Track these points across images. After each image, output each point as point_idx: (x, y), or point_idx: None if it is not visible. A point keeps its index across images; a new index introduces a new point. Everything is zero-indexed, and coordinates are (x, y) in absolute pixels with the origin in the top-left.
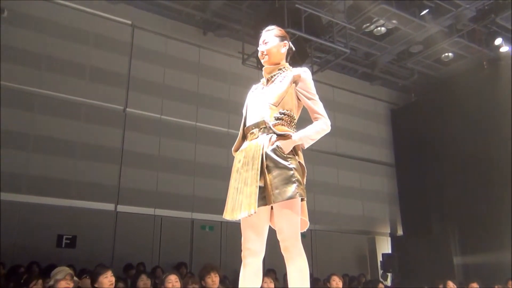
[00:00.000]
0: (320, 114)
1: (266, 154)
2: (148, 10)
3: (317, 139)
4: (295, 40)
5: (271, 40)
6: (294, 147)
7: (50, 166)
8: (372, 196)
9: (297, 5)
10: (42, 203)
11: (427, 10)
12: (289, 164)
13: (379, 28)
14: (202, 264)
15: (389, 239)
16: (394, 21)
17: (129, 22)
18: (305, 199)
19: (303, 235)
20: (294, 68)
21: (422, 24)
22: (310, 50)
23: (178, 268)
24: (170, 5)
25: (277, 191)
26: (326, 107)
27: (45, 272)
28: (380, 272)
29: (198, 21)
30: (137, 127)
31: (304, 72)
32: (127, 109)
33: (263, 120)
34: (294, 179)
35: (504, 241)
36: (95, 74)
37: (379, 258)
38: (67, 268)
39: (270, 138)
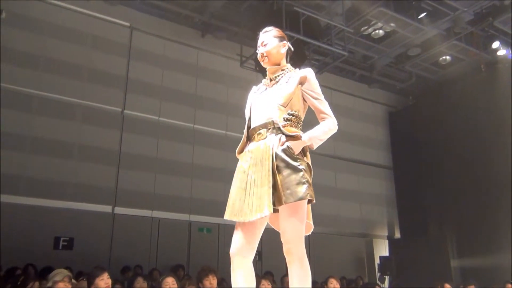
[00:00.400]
0: (327, 114)
1: (276, 154)
2: (146, 12)
3: (325, 139)
4: (293, 42)
5: (270, 41)
6: (302, 148)
7: (48, 167)
8: (370, 199)
9: (295, 8)
10: (39, 204)
11: (425, 13)
12: (299, 165)
13: (377, 31)
14: (199, 266)
15: (386, 241)
16: (392, 24)
17: (128, 24)
18: (314, 200)
19: None
20: (298, 69)
21: (420, 27)
22: (308, 53)
23: (176, 271)
24: (169, 7)
25: (288, 191)
26: None
27: (42, 274)
28: (378, 274)
29: (197, 23)
30: (135, 129)
31: (310, 73)
32: (125, 111)
33: (272, 121)
34: (304, 180)
35: (501, 244)
36: (93, 76)
37: (377, 261)
38: (65, 270)
39: (280, 139)
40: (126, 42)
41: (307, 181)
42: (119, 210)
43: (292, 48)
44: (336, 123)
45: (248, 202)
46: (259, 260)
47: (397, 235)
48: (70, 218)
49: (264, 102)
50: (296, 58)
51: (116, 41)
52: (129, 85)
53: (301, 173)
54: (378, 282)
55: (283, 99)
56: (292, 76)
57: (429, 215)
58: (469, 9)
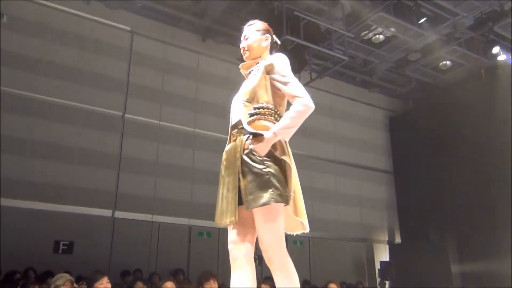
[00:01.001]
0: (296, 96)
1: (242, 159)
2: (147, 16)
3: (299, 124)
4: (293, 47)
5: (252, 35)
6: (274, 145)
7: (48, 171)
8: (370, 204)
9: (295, 13)
10: (39, 208)
11: (425, 19)
12: (264, 168)
13: (377, 36)
14: (199, 270)
15: (387, 246)
16: (392, 29)
17: (128, 28)
18: (286, 204)
19: (300, 242)
20: (269, 57)
21: (420, 32)
22: (308, 57)
23: (175, 275)
24: (169, 11)
25: (251, 197)
26: (324, 114)
27: (42, 278)
28: (378, 280)
29: (197, 27)
30: (136, 133)
31: (276, 58)
32: (126, 114)
33: (240, 120)
34: (270, 184)
35: (501, 249)
36: (94, 80)
37: (377, 266)
38: (67, 275)
39: (246, 140)
40: (127, 46)
41: (273, 185)
42: (119, 214)
43: (279, 42)
44: (306, 102)
45: (220, 206)
46: (259, 265)
47: (398, 240)
48: (70, 222)
49: (237, 101)
50: (297, 63)
51: (117, 45)
52: (129, 89)
53: (265, 177)
54: (379, 287)
55: (247, 94)
56: (260, 67)
57: (429, 220)
58: (469, 14)
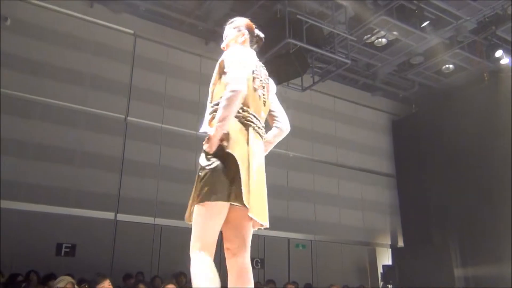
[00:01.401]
0: (227, 83)
1: (199, 159)
2: (150, 19)
3: (232, 111)
4: (296, 50)
5: (229, 33)
6: (222, 138)
7: (50, 174)
8: (373, 207)
9: (298, 16)
10: (41, 211)
11: (427, 22)
12: (208, 166)
13: (380, 39)
14: None
15: (389, 250)
16: (395, 33)
17: (131, 31)
18: (246, 196)
19: (303, 245)
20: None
21: (423, 35)
22: (311, 61)
23: (178, 277)
24: (172, 15)
25: (194, 195)
26: (326, 117)
27: (44, 281)
28: (381, 283)
29: (200, 30)
30: (138, 136)
31: (226, 52)
32: (128, 117)
33: None
34: (208, 182)
35: (504, 253)
36: (97, 83)
37: (380, 270)
38: (69, 277)
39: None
40: (130, 49)
41: (210, 183)
42: (121, 217)
43: (261, 35)
44: (232, 86)
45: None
46: (261, 268)
47: (400, 243)
48: (73, 225)
49: None
50: (299, 66)
51: (120, 48)
52: (132, 92)
53: (207, 175)
54: None
55: (209, 95)
56: (217, 65)
57: (432, 224)
58: (472, 18)
